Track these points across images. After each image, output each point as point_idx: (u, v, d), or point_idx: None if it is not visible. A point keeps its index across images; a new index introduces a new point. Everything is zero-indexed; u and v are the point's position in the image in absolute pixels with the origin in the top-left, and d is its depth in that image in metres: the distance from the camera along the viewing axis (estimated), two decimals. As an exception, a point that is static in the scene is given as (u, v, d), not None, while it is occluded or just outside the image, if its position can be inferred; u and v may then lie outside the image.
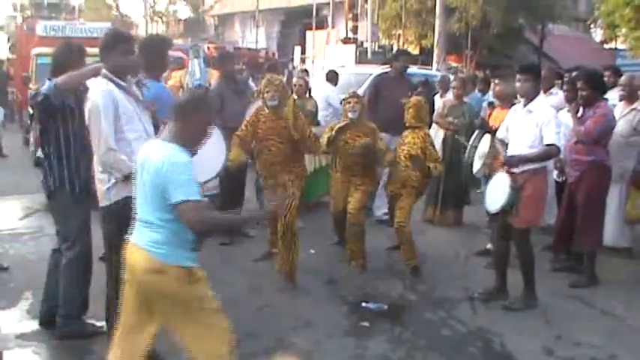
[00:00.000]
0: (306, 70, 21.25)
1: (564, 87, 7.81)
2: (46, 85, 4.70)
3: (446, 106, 8.98)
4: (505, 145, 6.06)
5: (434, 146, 6.87)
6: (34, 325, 5.15)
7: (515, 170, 5.78)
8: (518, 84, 5.94)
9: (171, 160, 3.35)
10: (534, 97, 5.84)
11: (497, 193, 5.80)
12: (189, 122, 3.53)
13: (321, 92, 11.05)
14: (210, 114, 3.87)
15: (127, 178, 4.40)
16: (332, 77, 11.85)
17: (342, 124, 6.70)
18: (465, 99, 9.14)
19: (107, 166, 4.44)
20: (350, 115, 6.59)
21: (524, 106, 5.88)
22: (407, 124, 6.79)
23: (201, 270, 3.57)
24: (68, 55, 4.93)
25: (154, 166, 3.41)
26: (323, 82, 11.81)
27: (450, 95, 9.81)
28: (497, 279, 6.07)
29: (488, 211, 6.08)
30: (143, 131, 4.56)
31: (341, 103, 7.05)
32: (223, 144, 4.93)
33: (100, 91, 4.45)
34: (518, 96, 6.56)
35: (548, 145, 5.68)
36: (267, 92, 6.21)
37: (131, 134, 4.48)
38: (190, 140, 3.55)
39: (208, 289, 3.62)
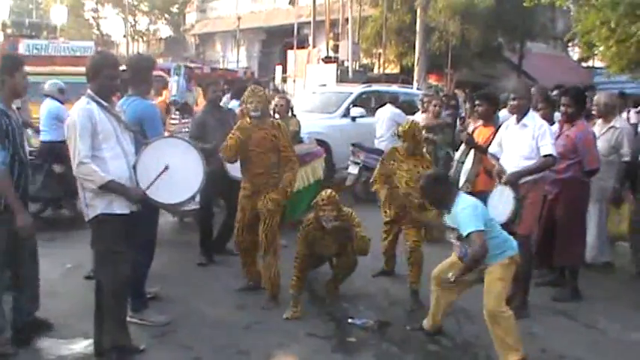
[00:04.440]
0: (277, 89, 21.56)
1: (540, 105, 7.83)
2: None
3: (423, 124, 9.24)
4: (497, 159, 6.28)
5: None
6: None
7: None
8: (513, 102, 6.21)
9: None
10: (527, 113, 6.11)
11: (499, 205, 5.93)
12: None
13: (385, 113, 11.70)
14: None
15: (101, 188, 4.49)
16: (393, 99, 12.45)
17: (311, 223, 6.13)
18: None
19: (81, 177, 4.55)
20: (324, 223, 5.92)
21: (518, 122, 6.13)
22: (406, 151, 6.64)
23: None
24: (11, 65, 4.95)
25: None
26: (387, 105, 12.22)
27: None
28: (512, 287, 6.19)
29: None
30: (121, 151, 4.68)
31: (312, 206, 6.27)
32: (201, 165, 4.98)
33: (79, 109, 4.59)
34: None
35: (545, 155, 5.92)
36: (251, 103, 6.16)
37: (107, 153, 4.60)
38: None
39: None
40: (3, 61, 5.06)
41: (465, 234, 4.88)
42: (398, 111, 11.90)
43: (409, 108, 12.17)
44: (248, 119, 6.25)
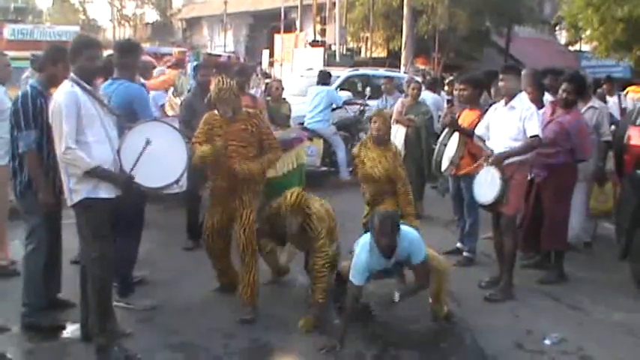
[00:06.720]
0: (266, 74, 21.79)
1: (529, 88, 7.73)
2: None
3: (404, 106, 9.40)
4: (483, 141, 6.35)
5: (402, 167, 6.40)
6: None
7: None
8: (501, 83, 6.23)
9: None
10: (515, 95, 6.14)
11: (486, 186, 6.07)
12: None
13: (426, 100, 11.27)
14: None
15: (87, 174, 4.47)
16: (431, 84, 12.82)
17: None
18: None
19: (66, 163, 4.52)
20: (287, 226, 5.64)
21: (506, 104, 6.18)
22: (375, 139, 6.35)
23: None
24: (55, 55, 5.13)
25: None
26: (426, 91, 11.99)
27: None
28: (500, 268, 6.36)
29: (480, 204, 6.32)
30: (105, 135, 4.65)
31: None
32: (185, 150, 4.96)
33: (64, 92, 4.55)
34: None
35: (531, 136, 6.00)
36: (221, 106, 5.56)
37: (91, 137, 4.56)
38: None
39: None
40: (49, 49, 5.25)
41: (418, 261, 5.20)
42: (438, 97, 12.18)
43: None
44: (218, 115, 5.66)
